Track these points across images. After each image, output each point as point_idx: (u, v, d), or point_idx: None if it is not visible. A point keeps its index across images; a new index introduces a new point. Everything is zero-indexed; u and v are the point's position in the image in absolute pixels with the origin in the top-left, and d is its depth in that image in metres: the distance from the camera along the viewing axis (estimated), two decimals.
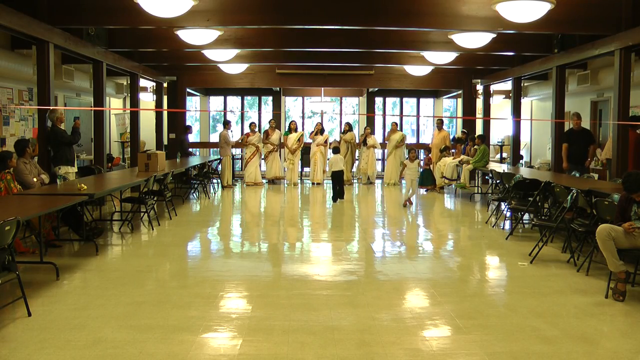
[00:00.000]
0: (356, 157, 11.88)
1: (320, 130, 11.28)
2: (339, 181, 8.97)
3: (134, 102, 9.73)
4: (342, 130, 11.63)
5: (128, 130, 11.31)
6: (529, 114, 12.89)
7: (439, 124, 11.03)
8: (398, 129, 11.56)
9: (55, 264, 4.36)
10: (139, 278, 4.31)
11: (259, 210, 8.69)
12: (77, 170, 6.96)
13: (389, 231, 6.70)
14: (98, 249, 5.14)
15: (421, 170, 9.86)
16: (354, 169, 12.07)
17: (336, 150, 9.49)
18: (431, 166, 10.47)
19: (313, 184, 11.38)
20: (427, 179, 10.27)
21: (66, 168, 6.57)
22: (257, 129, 11.53)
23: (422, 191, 10.28)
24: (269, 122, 11.39)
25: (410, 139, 14.11)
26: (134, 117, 9.83)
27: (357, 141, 11.66)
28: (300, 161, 11.65)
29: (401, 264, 4.94)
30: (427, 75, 10.75)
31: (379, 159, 12.72)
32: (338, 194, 8.93)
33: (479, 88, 12.05)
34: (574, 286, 4.17)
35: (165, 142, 11.68)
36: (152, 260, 4.99)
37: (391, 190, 10.85)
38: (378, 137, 12.47)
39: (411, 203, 8.35)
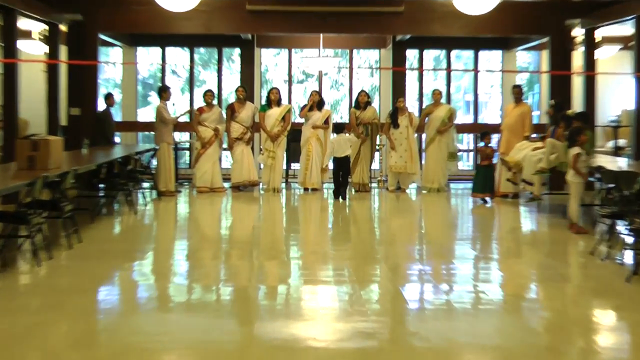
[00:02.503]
0: (377, 146, 11.83)
1: (317, 102, 11.26)
2: (343, 170, 10.66)
3: (10, 55, 9.67)
4: (355, 104, 11.60)
5: None
6: None
7: (517, 93, 11.01)
8: (443, 100, 11.55)
9: None
10: (14, 348, 4.24)
11: (219, 233, 8.75)
12: None
13: (429, 267, 6.74)
14: None
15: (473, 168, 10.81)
16: (376, 166, 12.08)
17: (340, 128, 10.95)
18: (499, 161, 10.43)
19: (306, 189, 11.40)
20: (484, 183, 10.36)
21: None
22: (215, 101, 11.50)
23: (478, 201, 10.54)
24: (236, 90, 11.41)
25: (463, 118, 14.11)
26: (10, 81, 9.77)
27: (382, 121, 11.68)
28: (285, 153, 11.64)
29: (450, 322, 4.94)
30: (490, 13, 10.67)
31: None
32: (340, 188, 10.57)
33: (577, 34, 12.03)
34: None
35: (64, 121, 11.64)
36: (37, 317, 4.93)
37: (434, 199, 10.85)
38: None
39: (585, 231, 7.90)
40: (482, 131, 11.39)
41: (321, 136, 11.24)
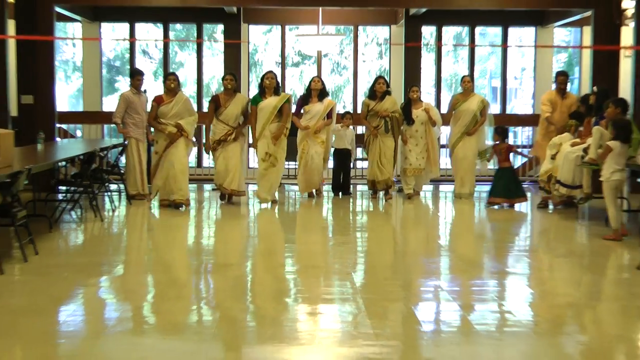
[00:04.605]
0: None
1: (319, 91, 10.91)
2: (343, 164, 11.43)
3: None
4: (370, 93, 11.14)
5: None
6: None
7: (562, 82, 10.68)
8: (473, 89, 11.40)
9: None
10: None
11: (201, 243, 8.77)
12: None
13: (447, 283, 6.80)
14: None
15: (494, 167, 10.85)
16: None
17: (342, 116, 11.32)
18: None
19: (310, 195, 11.30)
20: (500, 186, 10.55)
21: None
22: (178, 86, 10.46)
23: (503, 206, 10.65)
24: (223, 79, 10.59)
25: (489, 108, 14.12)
26: None
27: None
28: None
29: (470, 346, 4.98)
30: None
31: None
32: (341, 184, 11.48)
33: (628, 6, 12.07)
34: None
35: (15, 111, 11.69)
36: None
37: (463, 206, 10.83)
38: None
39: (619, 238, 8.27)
40: (499, 126, 11.10)
41: (321, 133, 10.92)
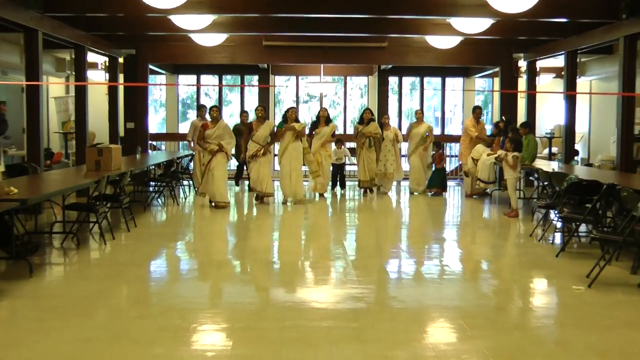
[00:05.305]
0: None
1: (326, 118, 10.47)
2: (339, 171, 11.18)
3: (81, 82, 9.77)
4: (361, 119, 10.67)
5: (72, 118, 11.32)
6: (586, 98, 12.93)
7: (479, 113, 10.58)
8: (423, 119, 11.10)
9: None
10: (87, 306, 4.33)
11: (245, 220, 8.83)
12: (4, 170, 6.98)
13: (407, 247, 6.82)
14: (32, 269, 5.15)
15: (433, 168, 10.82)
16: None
17: (336, 143, 10.95)
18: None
19: (322, 195, 10.81)
20: (436, 181, 10.66)
21: None
22: (221, 115, 9.47)
23: (429, 194, 10.67)
24: (256, 109, 9.76)
25: (433, 130, 14.06)
26: (81, 101, 9.85)
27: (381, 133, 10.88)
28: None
29: (422, 288, 5.00)
30: (454, 48, 10.80)
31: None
32: (338, 184, 11.18)
33: (522, 64, 12.12)
34: None
35: (122, 133, 11.71)
36: (104, 283, 5.01)
37: (416, 197, 10.80)
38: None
39: (516, 215, 8.33)
40: (436, 141, 10.99)
41: (327, 149, 10.59)
